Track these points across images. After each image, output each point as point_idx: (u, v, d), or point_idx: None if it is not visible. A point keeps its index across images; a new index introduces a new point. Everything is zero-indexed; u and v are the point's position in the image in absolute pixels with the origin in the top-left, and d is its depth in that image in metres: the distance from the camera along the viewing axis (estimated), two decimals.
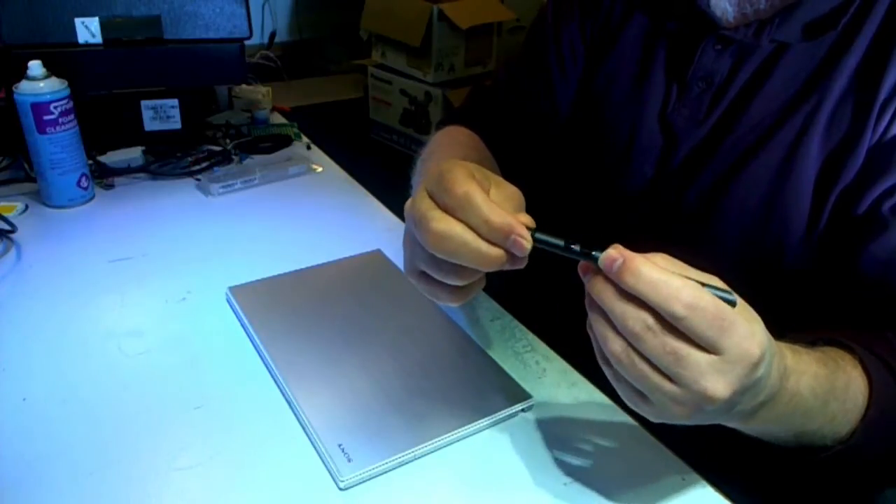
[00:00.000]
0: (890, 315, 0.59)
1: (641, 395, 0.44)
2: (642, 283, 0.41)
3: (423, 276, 0.50)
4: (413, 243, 0.49)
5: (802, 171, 0.61)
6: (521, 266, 0.47)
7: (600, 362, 0.45)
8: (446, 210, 0.46)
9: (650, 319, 0.41)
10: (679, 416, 0.44)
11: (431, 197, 0.47)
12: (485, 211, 0.45)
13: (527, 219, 0.47)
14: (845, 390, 0.53)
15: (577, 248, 0.45)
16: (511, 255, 0.46)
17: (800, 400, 0.50)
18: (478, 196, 0.45)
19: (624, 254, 0.42)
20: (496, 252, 0.46)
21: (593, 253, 0.44)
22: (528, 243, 0.45)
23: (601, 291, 0.43)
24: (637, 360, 0.42)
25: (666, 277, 0.41)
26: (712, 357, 0.41)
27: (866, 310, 0.60)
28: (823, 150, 0.61)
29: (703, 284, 0.43)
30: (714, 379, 0.41)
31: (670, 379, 0.42)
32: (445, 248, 0.46)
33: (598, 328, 0.44)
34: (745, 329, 0.41)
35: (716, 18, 0.65)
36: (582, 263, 0.45)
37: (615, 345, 0.43)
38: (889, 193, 0.58)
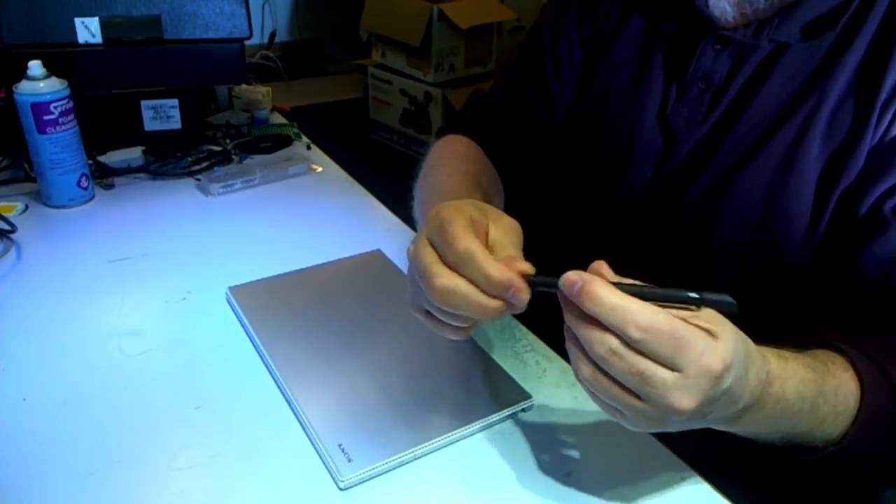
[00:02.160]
0: (890, 315, 0.59)
1: (617, 410, 0.46)
2: (599, 307, 0.43)
3: (428, 314, 0.52)
4: (416, 286, 0.51)
5: (803, 170, 0.61)
6: (521, 311, 0.49)
7: (578, 381, 0.47)
8: (448, 264, 0.48)
9: (614, 342, 0.43)
10: (654, 427, 0.46)
11: (433, 245, 0.49)
12: (485, 267, 0.47)
13: (525, 266, 0.49)
14: (835, 394, 0.53)
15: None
16: (510, 304, 0.48)
17: (786, 404, 0.50)
18: (478, 253, 0.47)
19: (583, 277, 0.44)
20: (496, 304, 0.48)
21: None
22: (526, 295, 0.48)
23: (568, 315, 0.45)
24: (606, 382, 0.44)
25: (621, 302, 0.43)
26: (675, 374, 0.43)
27: (867, 310, 0.60)
28: (825, 150, 0.61)
29: (675, 302, 0.44)
30: (679, 395, 0.43)
31: (639, 397, 0.44)
32: (449, 302, 0.48)
33: (570, 351, 0.46)
34: (702, 345, 0.43)
35: (715, 19, 0.65)
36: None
37: (585, 368, 0.45)
38: (890, 193, 0.58)
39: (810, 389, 0.51)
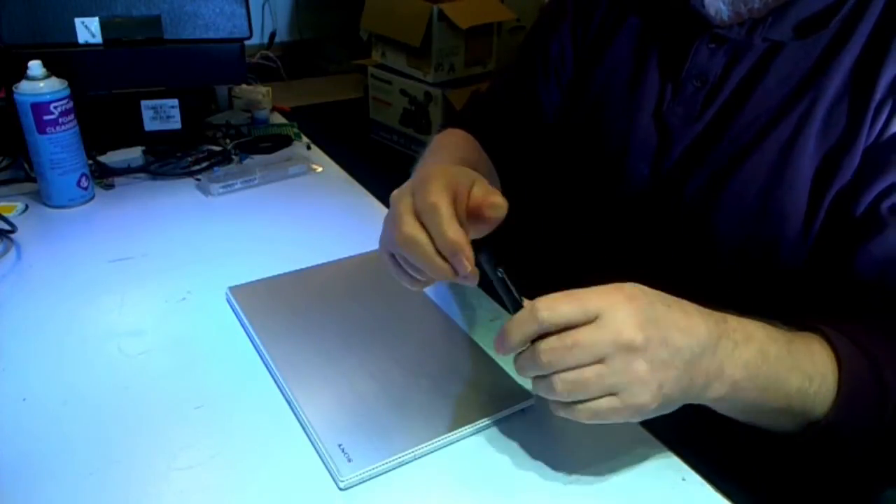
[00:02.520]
0: (886, 313, 0.59)
1: (601, 401, 0.49)
2: (514, 326, 0.50)
3: (392, 258, 0.57)
4: (388, 228, 0.56)
5: (798, 168, 0.62)
6: (471, 284, 0.53)
7: (565, 412, 0.51)
8: (417, 212, 0.53)
9: (544, 343, 0.49)
10: (644, 392, 0.48)
11: (413, 196, 0.54)
12: (444, 224, 0.51)
13: (499, 199, 0.54)
14: (809, 350, 0.54)
15: (510, 288, 0.53)
16: (457, 272, 0.52)
17: (759, 344, 0.52)
18: (443, 210, 0.51)
19: (499, 338, 0.51)
20: (444, 266, 0.52)
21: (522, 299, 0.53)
22: (470, 265, 0.51)
23: (519, 363, 0.52)
24: (569, 382, 0.48)
25: (522, 316, 0.49)
26: (596, 321, 0.48)
27: (862, 308, 0.60)
28: (820, 148, 0.61)
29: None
30: (612, 327, 0.47)
31: (599, 362, 0.48)
32: (407, 249, 0.53)
33: (542, 393, 0.51)
34: (596, 288, 0.49)
35: (709, 18, 0.65)
36: None
37: (552, 386, 0.49)
38: (887, 193, 0.58)
39: (778, 334, 0.53)
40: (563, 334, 0.48)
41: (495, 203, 0.54)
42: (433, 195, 0.52)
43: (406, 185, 0.56)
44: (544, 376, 0.50)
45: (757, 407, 0.53)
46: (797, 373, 0.53)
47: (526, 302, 0.51)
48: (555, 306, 0.48)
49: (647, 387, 0.48)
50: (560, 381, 0.48)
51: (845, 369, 0.54)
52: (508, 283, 0.53)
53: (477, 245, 0.52)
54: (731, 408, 0.54)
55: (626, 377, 0.48)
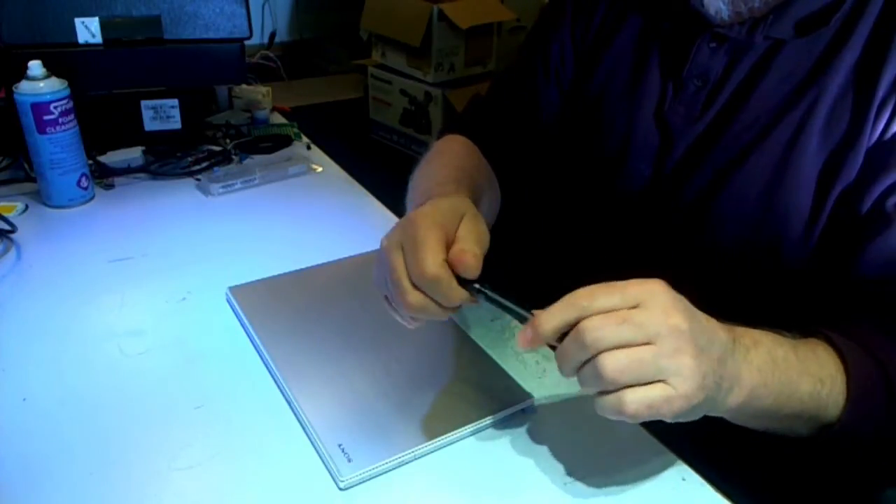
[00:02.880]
0: (889, 311, 0.59)
1: (657, 385, 0.46)
2: (554, 323, 0.47)
3: (387, 298, 0.57)
4: (382, 275, 0.55)
5: (801, 167, 0.62)
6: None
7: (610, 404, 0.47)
8: (413, 280, 0.52)
9: (590, 322, 0.46)
10: (684, 368, 0.45)
11: (404, 253, 0.53)
12: (448, 293, 0.52)
13: (471, 259, 0.53)
14: (815, 354, 0.54)
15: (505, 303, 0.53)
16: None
17: (768, 348, 0.51)
18: (444, 282, 0.51)
19: (526, 329, 0.49)
20: (453, 310, 0.54)
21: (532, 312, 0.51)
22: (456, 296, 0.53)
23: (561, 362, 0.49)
24: (616, 357, 0.45)
25: (558, 306, 0.48)
26: (640, 307, 0.46)
27: (866, 307, 0.60)
28: (824, 146, 0.61)
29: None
30: (659, 310, 0.46)
31: (645, 344, 0.45)
32: (419, 314, 0.54)
33: (588, 382, 0.48)
34: (635, 281, 0.47)
35: (709, 17, 0.65)
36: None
37: (590, 372, 0.47)
38: (892, 190, 0.58)
39: (783, 340, 0.53)
40: (611, 313, 0.46)
41: (467, 264, 0.52)
42: (431, 268, 0.51)
43: (394, 235, 0.55)
44: (587, 362, 0.46)
45: (771, 413, 0.53)
46: (807, 377, 0.53)
47: (536, 312, 0.50)
48: (594, 293, 0.46)
49: (694, 373, 0.45)
50: (611, 360, 0.45)
51: (853, 371, 0.54)
52: (496, 297, 0.53)
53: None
54: (748, 416, 0.53)
55: (676, 360, 0.45)
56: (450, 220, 0.55)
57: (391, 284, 0.54)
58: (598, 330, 0.45)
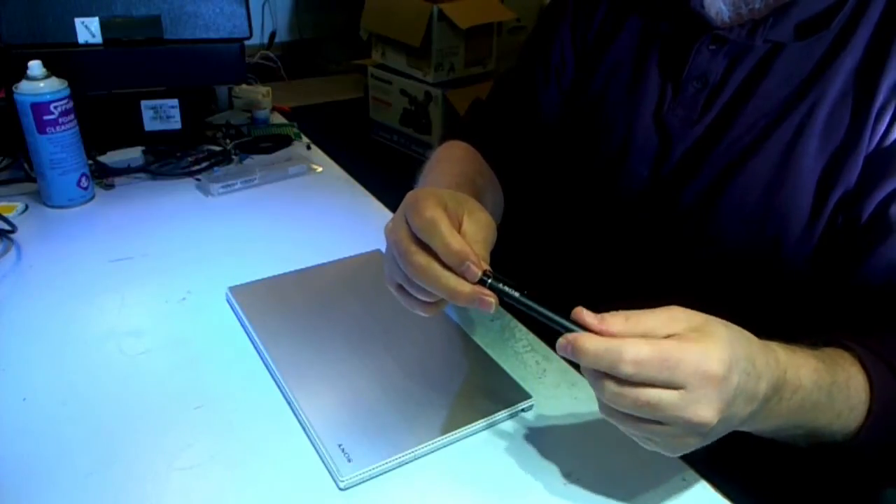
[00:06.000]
0: (892, 316, 0.59)
1: (649, 440, 0.48)
2: (590, 358, 0.45)
3: (400, 288, 0.55)
4: (392, 261, 0.54)
5: (800, 171, 0.61)
6: (489, 311, 0.51)
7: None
8: (415, 232, 0.51)
9: (612, 385, 0.45)
10: (691, 444, 0.47)
11: (407, 222, 0.52)
12: (446, 237, 0.50)
13: (483, 264, 0.51)
14: (847, 385, 0.53)
15: (532, 302, 0.51)
16: (480, 301, 0.50)
17: (804, 393, 0.50)
18: (442, 223, 0.50)
19: (568, 339, 0.46)
20: (465, 289, 0.50)
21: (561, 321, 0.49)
22: (478, 270, 0.50)
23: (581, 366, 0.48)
24: (625, 417, 0.47)
25: (606, 345, 0.45)
26: (680, 392, 0.44)
27: (870, 312, 0.60)
28: (823, 150, 0.61)
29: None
30: (693, 408, 0.44)
31: (660, 422, 0.45)
32: (423, 279, 0.51)
33: (596, 395, 0.48)
34: (694, 357, 0.44)
35: (710, 19, 0.65)
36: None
37: (604, 410, 0.48)
38: (893, 197, 0.58)
39: (824, 378, 0.52)
40: (639, 391, 0.44)
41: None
42: (428, 211, 0.51)
43: (397, 215, 0.55)
44: (600, 395, 0.47)
45: (776, 433, 0.54)
46: (829, 413, 0.53)
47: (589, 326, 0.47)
48: (642, 364, 0.44)
49: (710, 436, 0.47)
50: (619, 420, 0.47)
51: (877, 398, 0.54)
52: (535, 305, 0.50)
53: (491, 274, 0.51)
54: (753, 431, 0.54)
55: (680, 442, 0.47)
56: (452, 204, 0.54)
57: (399, 255, 0.52)
58: (616, 398, 0.46)
